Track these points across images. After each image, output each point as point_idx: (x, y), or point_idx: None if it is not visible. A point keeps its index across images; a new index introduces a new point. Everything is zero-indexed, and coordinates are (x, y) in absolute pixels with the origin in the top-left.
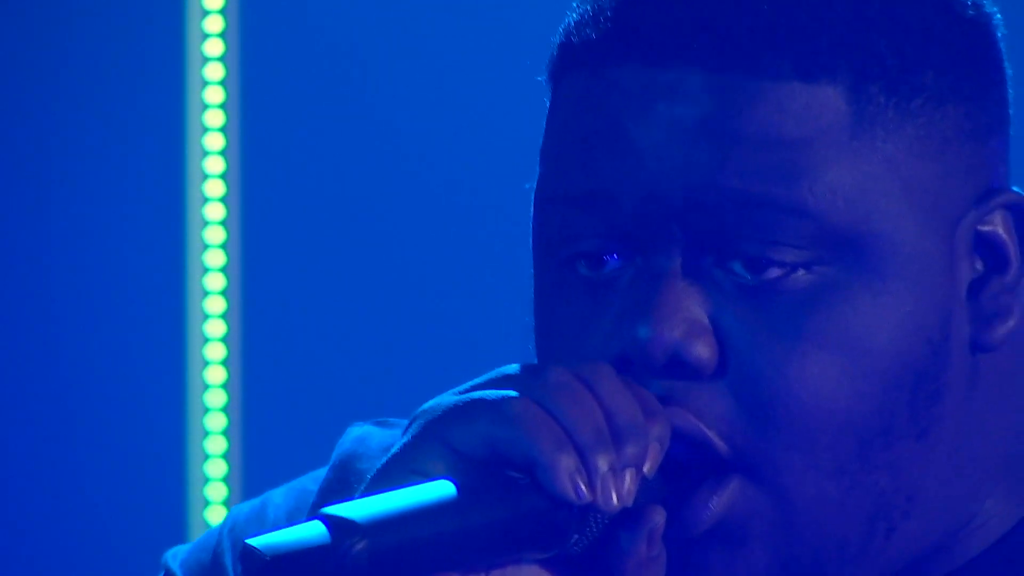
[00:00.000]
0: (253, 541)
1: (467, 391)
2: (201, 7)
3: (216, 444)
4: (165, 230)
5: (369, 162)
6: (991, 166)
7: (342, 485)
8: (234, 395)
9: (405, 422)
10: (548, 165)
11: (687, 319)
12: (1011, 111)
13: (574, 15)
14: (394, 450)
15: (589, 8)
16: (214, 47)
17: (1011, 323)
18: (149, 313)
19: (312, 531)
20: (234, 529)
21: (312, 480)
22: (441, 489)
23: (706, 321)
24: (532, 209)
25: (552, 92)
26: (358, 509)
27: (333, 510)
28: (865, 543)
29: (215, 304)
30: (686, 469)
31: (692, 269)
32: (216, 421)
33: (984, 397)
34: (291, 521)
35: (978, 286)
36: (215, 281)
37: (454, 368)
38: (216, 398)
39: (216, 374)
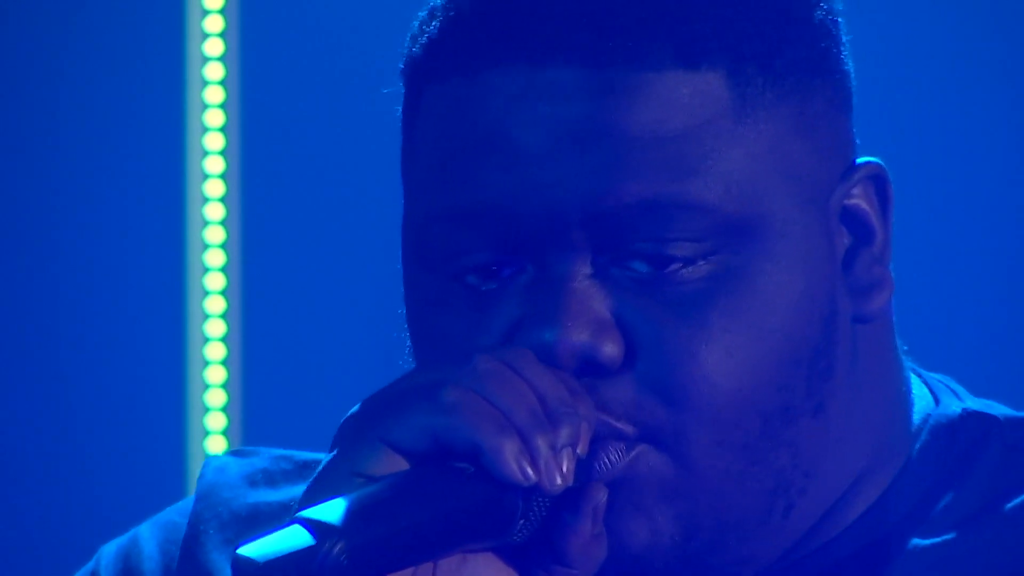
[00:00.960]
0: (244, 551)
1: (397, 385)
2: (201, 7)
3: (216, 444)
4: (165, 230)
5: (369, 162)
6: (850, 140)
7: (211, 513)
8: (234, 395)
9: (262, 449)
10: (424, 179)
11: (593, 320)
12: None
13: (436, 20)
14: (332, 455)
15: (453, 11)
16: (214, 47)
17: (886, 293)
18: (149, 313)
19: (295, 535)
20: (108, 566)
21: (177, 512)
22: (395, 489)
23: (610, 318)
24: (405, 225)
25: (412, 102)
26: (333, 512)
27: (310, 514)
28: (764, 519)
29: (215, 304)
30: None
31: (591, 270)
32: (216, 421)
33: (863, 370)
34: (164, 552)
35: (849, 259)
36: (215, 281)
37: None
38: (216, 398)
39: (216, 374)
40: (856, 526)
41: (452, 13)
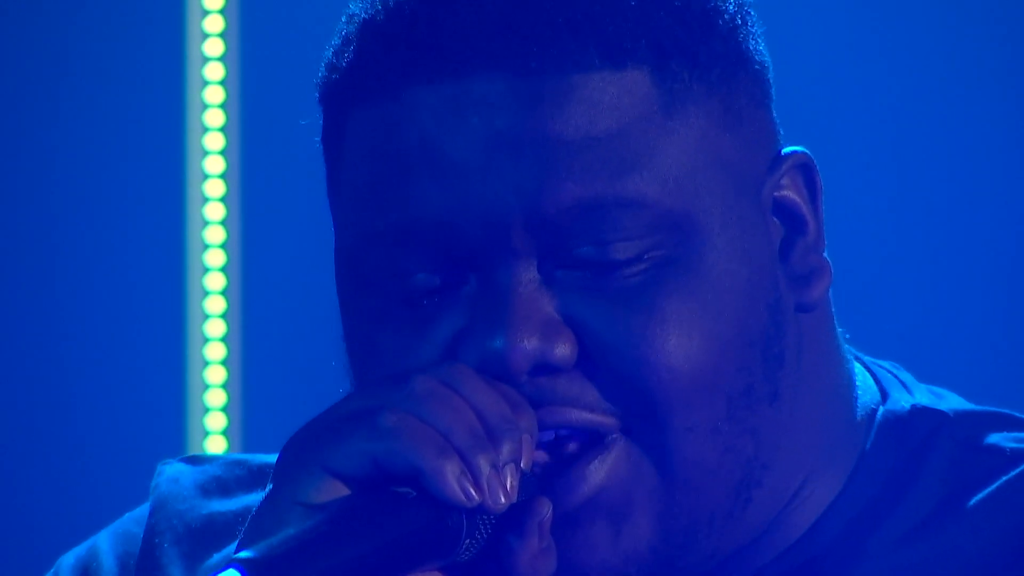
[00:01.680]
0: None
1: (335, 411)
2: (201, 7)
3: (216, 444)
4: (165, 230)
5: None
6: (774, 131)
7: (166, 525)
8: (234, 395)
9: (216, 455)
10: (356, 202)
11: (542, 322)
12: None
13: (353, 44)
14: (272, 485)
15: (371, 33)
16: (214, 47)
17: (825, 281)
18: (149, 313)
19: None
20: None
21: (134, 522)
22: (337, 520)
23: (559, 319)
24: (338, 249)
25: (336, 127)
26: (269, 551)
27: (248, 554)
28: (729, 512)
29: (215, 304)
30: (569, 445)
31: (536, 275)
32: (216, 421)
33: (807, 360)
34: (122, 565)
35: (785, 250)
36: (215, 281)
37: None
38: (216, 398)
39: (216, 374)
40: (814, 530)
41: (370, 35)
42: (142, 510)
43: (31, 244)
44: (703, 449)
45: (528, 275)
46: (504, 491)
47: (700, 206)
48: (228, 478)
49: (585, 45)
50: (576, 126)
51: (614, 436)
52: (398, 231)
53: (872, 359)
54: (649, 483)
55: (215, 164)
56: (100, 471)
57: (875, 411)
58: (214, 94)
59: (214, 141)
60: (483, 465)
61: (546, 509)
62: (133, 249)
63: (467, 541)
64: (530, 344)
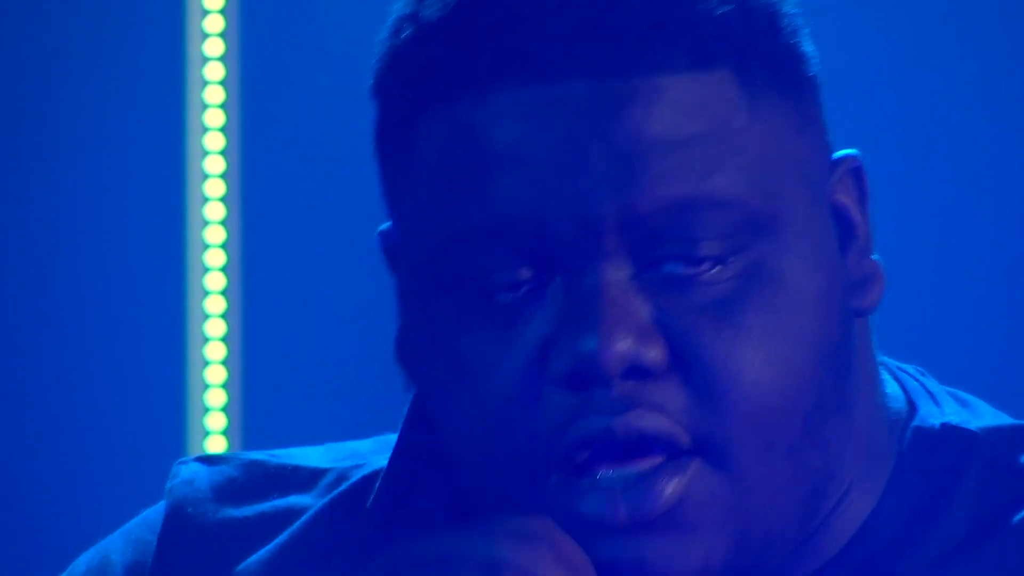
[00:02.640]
0: None
1: (415, 552)
2: (201, 7)
3: (216, 444)
4: (165, 230)
5: (369, 162)
6: (828, 132)
7: (181, 536)
8: (234, 395)
9: (231, 455)
10: (436, 202)
11: (635, 326)
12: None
13: (421, 43)
14: None
15: (442, 33)
16: (214, 47)
17: (879, 285)
18: (149, 313)
19: None
20: None
21: (148, 529)
22: None
23: (650, 323)
24: (412, 249)
25: (403, 125)
26: None
27: None
28: (799, 526)
29: (215, 304)
30: (649, 458)
31: (626, 277)
32: (216, 421)
33: (858, 366)
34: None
35: (841, 254)
36: (215, 281)
37: None
38: (216, 398)
39: (216, 374)
40: (850, 548)
41: (446, 36)
42: (157, 514)
43: (30, 244)
44: (779, 467)
45: (619, 276)
46: None
47: (783, 209)
48: (244, 480)
49: (672, 47)
50: (667, 126)
51: (691, 455)
52: (485, 230)
53: (896, 363)
54: (724, 502)
55: (215, 164)
56: (100, 471)
57: (904, 421)
58: (214, 94)
59: (214, 141)
60: None
61: None
62: (133, 249)
63: None
64: (624, 346)
